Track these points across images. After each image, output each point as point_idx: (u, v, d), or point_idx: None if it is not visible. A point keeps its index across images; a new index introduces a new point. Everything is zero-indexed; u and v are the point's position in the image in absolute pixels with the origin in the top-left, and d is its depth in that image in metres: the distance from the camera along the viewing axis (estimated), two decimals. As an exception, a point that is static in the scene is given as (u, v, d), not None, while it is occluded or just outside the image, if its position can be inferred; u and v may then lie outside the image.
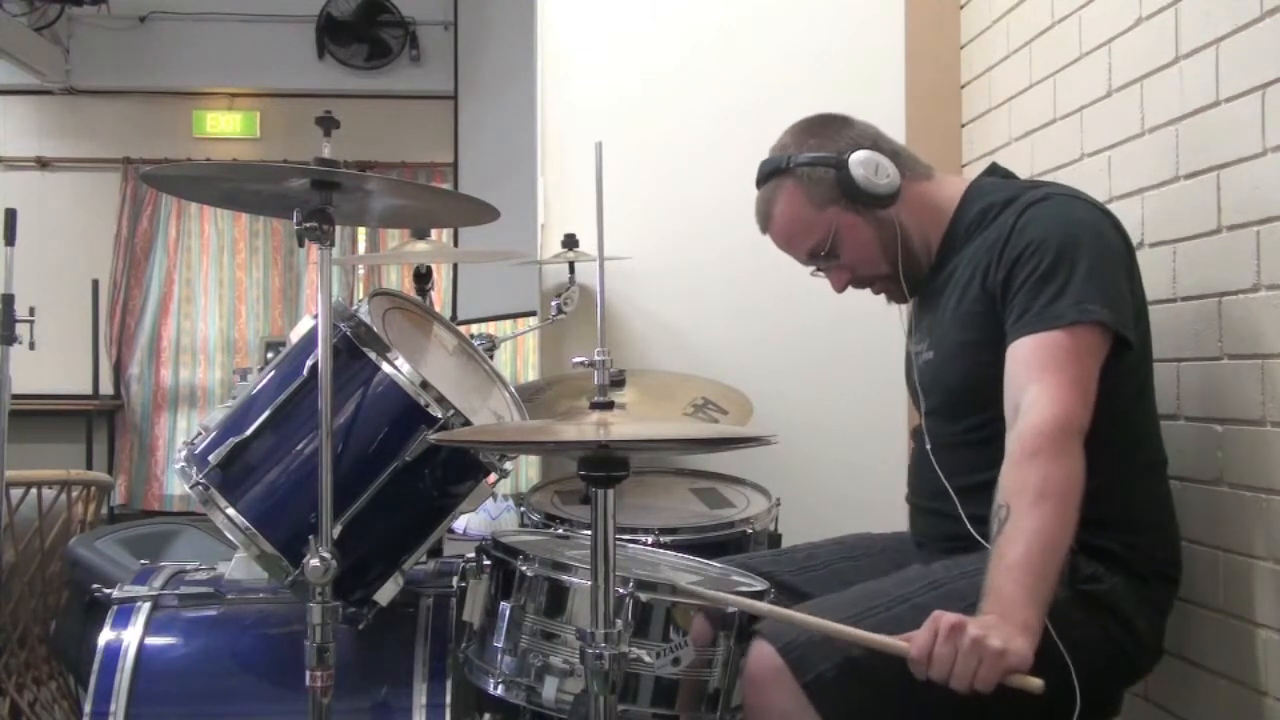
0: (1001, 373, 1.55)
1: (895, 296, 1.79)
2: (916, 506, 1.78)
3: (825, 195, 1.68)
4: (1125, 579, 1.54)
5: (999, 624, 1.32)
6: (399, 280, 5.55)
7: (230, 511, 1.60)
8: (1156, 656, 1.63)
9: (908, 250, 1.71)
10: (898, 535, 1.86)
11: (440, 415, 1.60)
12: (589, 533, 1.32)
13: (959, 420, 1.65)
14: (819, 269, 1.77)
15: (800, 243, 1.74)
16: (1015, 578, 1.38)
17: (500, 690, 1.53)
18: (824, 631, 1.40)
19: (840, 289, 1.78)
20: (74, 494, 2.98)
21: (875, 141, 1.71)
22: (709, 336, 2.83)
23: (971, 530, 1.51)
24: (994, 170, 1.78)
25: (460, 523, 3.23)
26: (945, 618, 1.32)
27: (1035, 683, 1.30)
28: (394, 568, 1.67)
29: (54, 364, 5.23)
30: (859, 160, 1.65)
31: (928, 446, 1.68)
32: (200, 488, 1.62)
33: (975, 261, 1.63)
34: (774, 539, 2.21)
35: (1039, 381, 1.47)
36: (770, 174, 1.73)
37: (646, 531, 1.99)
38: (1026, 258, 1.55)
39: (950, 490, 1.61)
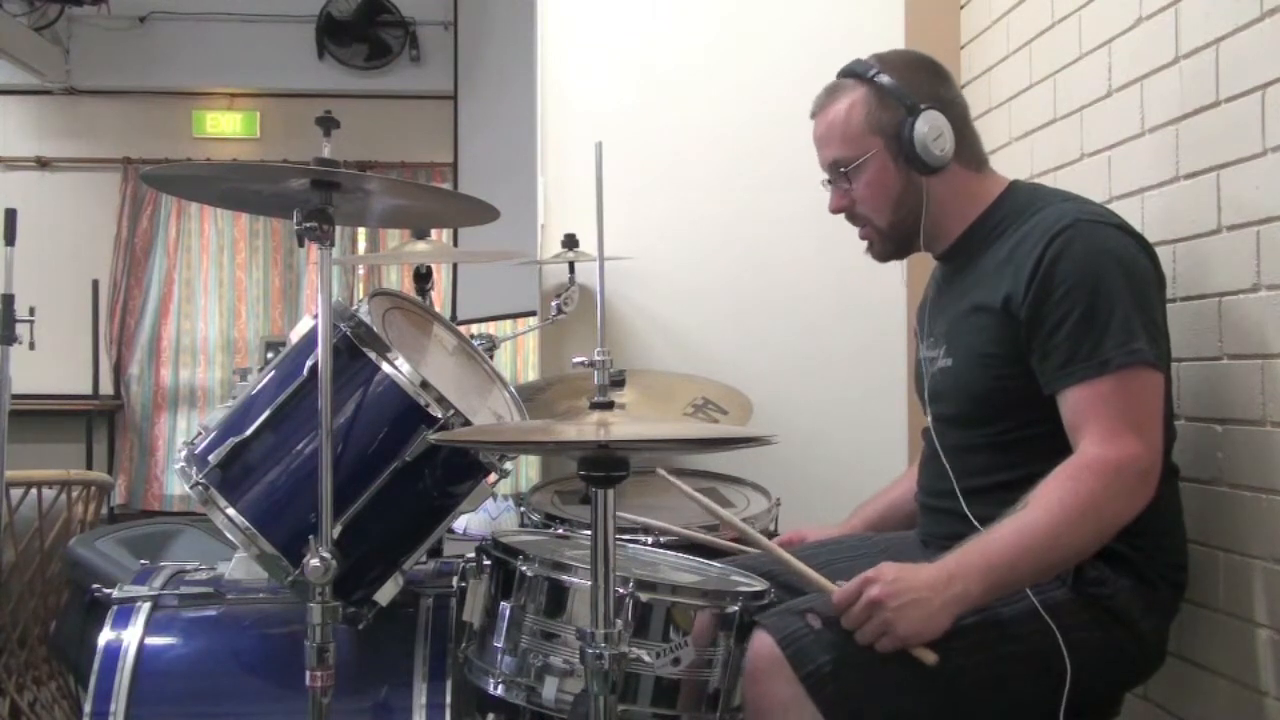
0: (1020, 385, 1.57)
1: (874, 251, 1.78)
2: (926, 505, 1.79)
3: (881, 125, 1.67)
4: (1131, 583, 1.54)
5: (925, 597, 1.40)
6: (399, 280, 5.55)
7: (230, 511, 1.60)
8: (1159, 660, 1.63)
9: (915, 223, 1.70)
10: (900, 535, 1.86)
11: (440, 415, 1.60)
12: (589, 533, 1.32)
13: (976, 427, 1.65)
14: (829, 180, 1.75)
15: (832, 146, 1.72)
16: (986, 553, 1.44)
17: (500, 690, 1.53)
18: (771, 555, 1.61)
19: (833, 210, 1.76)
20: (74, 494, 2.98)
21: (960, 115, 1.69)
22: (709, 336, 2.83)
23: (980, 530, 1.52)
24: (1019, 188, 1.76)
25: (460, 523, 3.23)
26: (870, 590, 1.41)
27: (930, 657, 1.40)
28: (394, 568, 1.67)
29: (54, 364, 5.23)
30: (928, 118, 1.63)
31: (939, 448, 1.68)
32: (200, 488, 1.61)
33: (998, 278, 1.61)
34: (774, 539, 2.21)
35: (1091, 429, 1.48)
36: (851, 73, 1.71)
37: (646, 532, 1.99)
38: (1060, 299, 1.52)
39: (959, 491, 1.62)
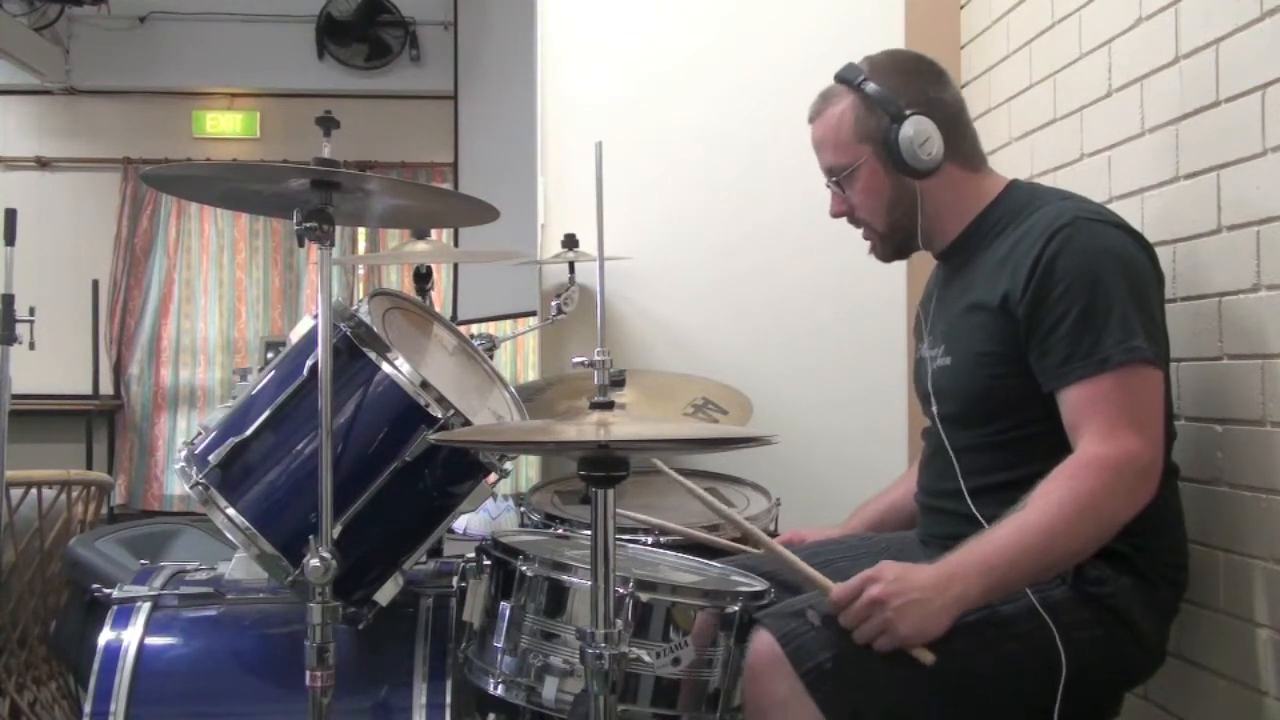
0: (1019, 383, 1.58)
1: (877, 252, 1.80)
2: (925, 505, 1.79)
3: (868, 132, 1.68)
4: (1132, 582, 1.54)
5: (925, 598, 1.40)
6: (399, 280, 5.55)
7: (230, 511, 1.60)
8: (1159, 660, 1.63)
9: (912, 224, 1.71)
10: (900, 535, 1.87)
11: (440, 415, 1.60)
12: (589, 533, 1.32)
13: (974, 426, 1.65)
14: (829, 184, 1.77)
15: (825, 155, 1.75)
16: (984, 554, 1.44)
17: (500, 690, 1.53)
18: (772, 553, 1.60)
19: (834, 215, 1.79)
20: (74, 494, 2.98)
21: (951, 116, 1.69)
22: (709, 336, 2.83)
23: (980, 529, 1.52)
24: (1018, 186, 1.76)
25: (460, 523, 3.23)
26: (871, 589, 1.41)
27: (927, 658, 1.41)
28: (394, 568, 1.67)
29: (54, 364, 5.23)
30: (912, 124, 1.64)
31: (942, 447, 1.68)
32: (200, 488, 1.62)
33: (996, 277, 1.61)
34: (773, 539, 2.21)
35: (1090, 428, 1.48)
36: (842, 79, 1.72)
37: (647, 531, 1.99)
38: (1059, 297, 1.52)
39: (962, 491, 1.62)
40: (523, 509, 2.31)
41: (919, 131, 1.64)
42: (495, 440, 1.61)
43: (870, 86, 1.67)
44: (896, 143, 1.64)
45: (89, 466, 5.66)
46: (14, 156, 6.28)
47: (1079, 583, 1.53)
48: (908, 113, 1.64)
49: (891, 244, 1.76)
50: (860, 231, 1.79)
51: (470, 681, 1.61)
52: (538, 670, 1.49)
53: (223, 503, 1.61)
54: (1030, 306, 1.55)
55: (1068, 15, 2.21)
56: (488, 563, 1.62)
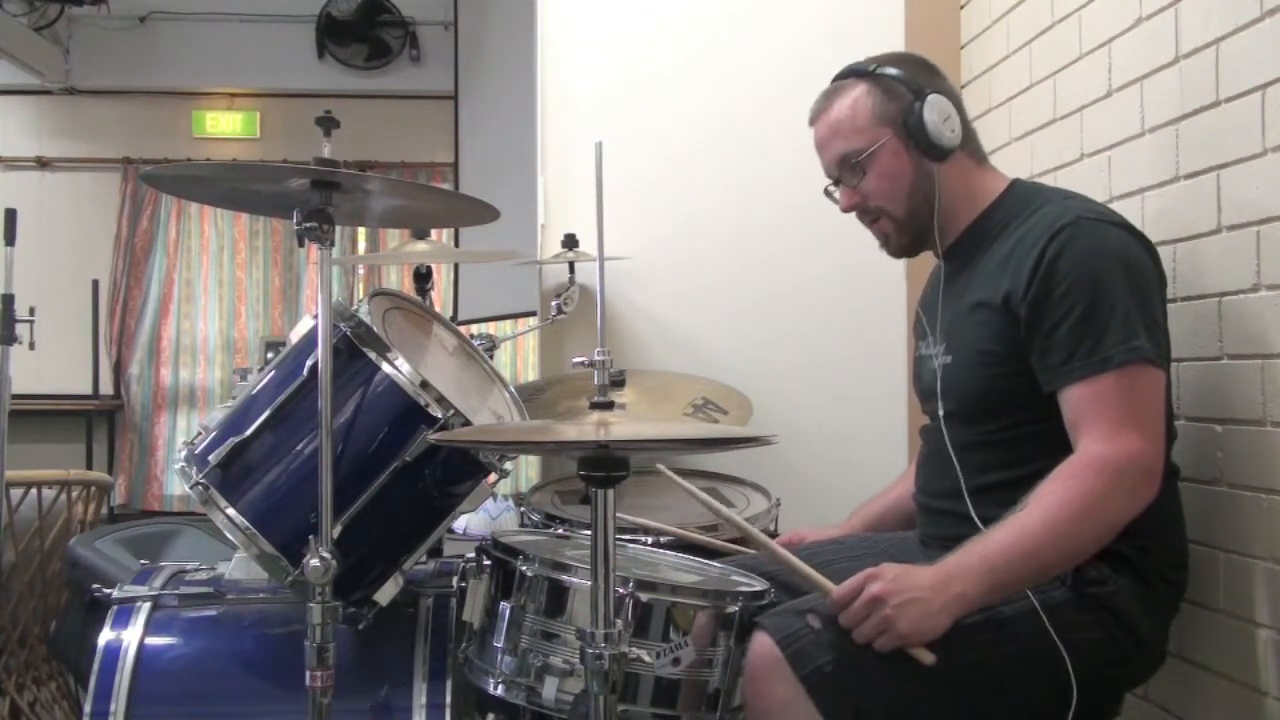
0: (1020, 382, 1.57)
1: (891, 245, 1.76)
2: (924, 505, 1.79)
3: (888, 114, 1.67)
4: (1131, 582, 1.54)
5: (925, 598, 1.40)
6: (399, 280, 5.55)
7: (230, 511, 1.60)
8: (1159, 661, 1.63)
9: (930, 210, 1.69)
10: (900, 536, 1.86)
11: (440, 415, 1.60)
12: (589, 533, 1.32)
13: (975, 425, 1.65)
14: (838, 182, 1.74)
15: (839, 143, 1.71)
16: (984, 555, 1.44)
17: (500, 690, 1.53)
18: (772, 554, 1.60)
19: (845, 209, 1.75)
20: (74, 494, 2.98)
21: (960, 105, 1.70)
22: (709, 336, 2.84)
23: (982, 529, 1.52)
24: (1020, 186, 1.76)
25: (460, 523, 3.23)
26: (871, 586, 1.41)
27: (927, 658, 1.41)
28: (394, 568, 1.67)
29: (54, 364, 5.23)
30: (935, 102, 1.64)
31: (946, 445, 1.68)
32: (200, 488, 1.62)
33: (999, 276, 1.61)
34: (774, 539, 2.21)
35: (1092, 427, 1.48)
36: (850, 74, 1.72)
37: (646, 532, 1.99)
38: (1060, 297, 1.52)
39: (961, 490, 1.61)
40: (523, 509, 2.31)
41: (942, 109, 1.64)
42: (495, 440, 1.61)
43: (886, 69, 1.68)
44: (921, 120, 1.63)
45: (89, 466, 5.65)
46: (14, 156, 6.27)
47: (1078, 584, 1.53)
48: (928, 92, 1.65)
49: (908, 234, 1.73)
50: (870, 229, 1.76)
51: (470, 681, 1.61)
52: (538, 670, 1.49)
53: (223, 503, 1.61)
54: (1032, 306, 1.55)
55: (1068, 15, 2.21)
56: (488, 563, 1.62)
